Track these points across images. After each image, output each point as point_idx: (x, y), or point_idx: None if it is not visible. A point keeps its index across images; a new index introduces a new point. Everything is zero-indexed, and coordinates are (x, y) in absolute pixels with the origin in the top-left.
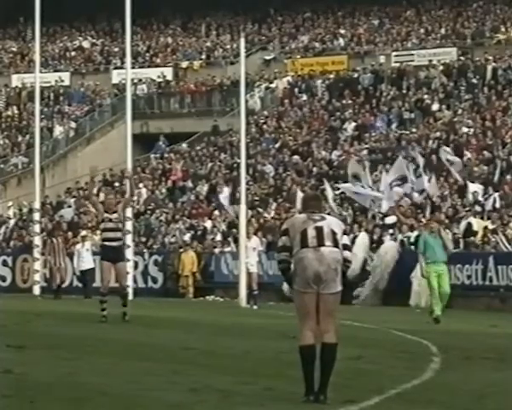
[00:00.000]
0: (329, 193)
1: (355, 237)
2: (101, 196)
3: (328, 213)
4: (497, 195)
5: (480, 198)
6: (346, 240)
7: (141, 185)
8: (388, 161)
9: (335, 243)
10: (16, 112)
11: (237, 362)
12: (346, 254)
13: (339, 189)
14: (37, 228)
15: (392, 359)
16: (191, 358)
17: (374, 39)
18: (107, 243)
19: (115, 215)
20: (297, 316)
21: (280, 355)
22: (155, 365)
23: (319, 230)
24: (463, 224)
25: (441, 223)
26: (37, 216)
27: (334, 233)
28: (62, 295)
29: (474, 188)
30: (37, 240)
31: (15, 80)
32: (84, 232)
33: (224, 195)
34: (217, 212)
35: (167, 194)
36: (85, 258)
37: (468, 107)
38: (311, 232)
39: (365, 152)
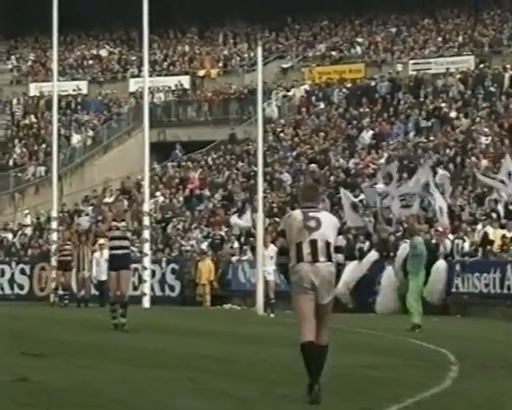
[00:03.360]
0: (346, 202)
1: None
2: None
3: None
4: None
5: (499, 207)
6: (340, 241)
7: (158, 193)
8: (405, 169)
9: (329, 257)
10: (34, 120)
11: (254, 370)
12: (339, 257)
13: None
14: (54, 236)
15: (410, 367)
16: (207, 365)
17: (391, 47)
18: (113, 252)
19: (123, 224)
20: (296, 318)
21: (296, 363)
22: (172, 372)
23: (314, 244)
24: (480, 232)
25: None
26: (54, 224)
27: (327, 245)
28: (83, 304)
29: (492, 196)
30: (54, 248)
31: (33, 89)
32: (101, 241)
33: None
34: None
35: (184, 202)
36: (103, 268)
37: (485, 115)
38: (306, 248)
39: (383, 160)
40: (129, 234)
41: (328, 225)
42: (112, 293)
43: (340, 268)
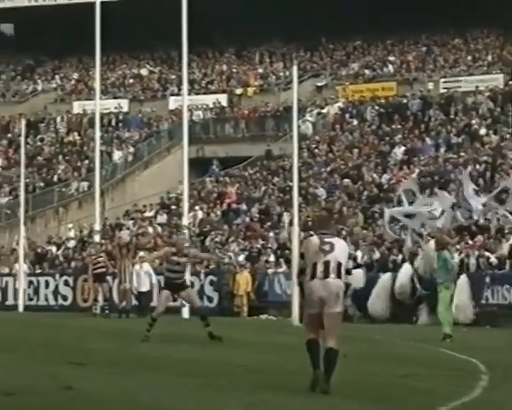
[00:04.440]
0: (386, 217)
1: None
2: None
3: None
4: None
5: None
6: (350, 264)
7: (196, 208)
8: (436, 184)
9: (339, 275)
10: (77, 137)
11: (290, 379)
12: (348, 278)
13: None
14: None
15: (442, 377)
16: (245, 374)
17: (422, 66)
18: (169, 281)
19: (184, 259)
20: (304, 325)
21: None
22: (211, 381)
23: (326, 265)
24: (507, 245)
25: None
26: (97, 238)
27: (339, 265)
28: (124, 315)
29: None
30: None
31: (77, 107)
32: (141, 253)
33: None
34: (271, 234)
35: (222, 216)
36: (143, 280)
37: None
38: (320, 267)
39: (414, 176)
40: (187, 267)
41: (340, 250)
42: (159, 310)
43: (348, 287)
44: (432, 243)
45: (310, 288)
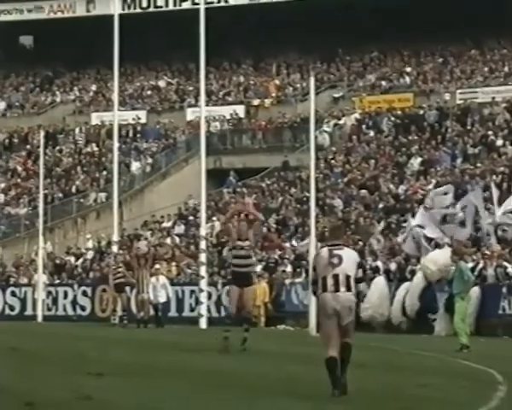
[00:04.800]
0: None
1: None
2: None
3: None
4: None
5: None
6: (360, 273)
7: (214, 218)
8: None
9: (349, 288)
10: (96, 149)
11: (312, 388)
12: (359, 286)
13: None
14: (111, 260)
15: (459, 387)
16: (266, 385)
17: (439, 77)
18: (236, 269)
19: (247, 243)
20: (321, 338)
21: (349, 384)
22: (232, 391)
23: (336, 278)
24: None
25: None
26: (115, 248)
27: (347, 278)
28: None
29: None
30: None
31: (95, 118)
32: (157, 266)
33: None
34: (288, 244)
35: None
36: (160, 292)
37: None
38: (330, 280)
39: (431, 186)
40: (252, 252)
41: (348, 262)
42: (233, 308)
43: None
44: (432, 254)
45: (322, 300)
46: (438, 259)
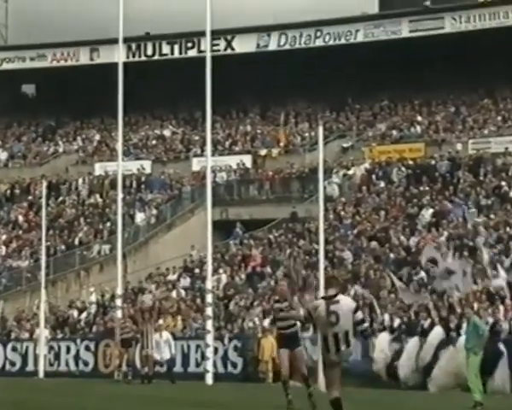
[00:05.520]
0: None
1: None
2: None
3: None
4: None
5: None
6: (359, 315)
7: (220, 271)
8: (466, 247)
9: (348, 343)
10: (99, 200)
11: None
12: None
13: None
14: (119, 314)
15: None
16: None
17: (451, 127)
18: (281, 332)
19: (285, 304)
20: (326, 383)
21: None
22: None
23: (336, 337)
24: None
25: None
26: (119, 302)
27: (346, 333)
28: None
29: None
30: (117, 326)
31: (98, 169)
32: (160, 321)
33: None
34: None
35: (246, 279)
36: (163, 349)
37: None
38: (331, 340)
39: (443, 239)
40: (294, 311)
41: (345, 317)
42: (284, 371)
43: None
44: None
45: (327, 356)
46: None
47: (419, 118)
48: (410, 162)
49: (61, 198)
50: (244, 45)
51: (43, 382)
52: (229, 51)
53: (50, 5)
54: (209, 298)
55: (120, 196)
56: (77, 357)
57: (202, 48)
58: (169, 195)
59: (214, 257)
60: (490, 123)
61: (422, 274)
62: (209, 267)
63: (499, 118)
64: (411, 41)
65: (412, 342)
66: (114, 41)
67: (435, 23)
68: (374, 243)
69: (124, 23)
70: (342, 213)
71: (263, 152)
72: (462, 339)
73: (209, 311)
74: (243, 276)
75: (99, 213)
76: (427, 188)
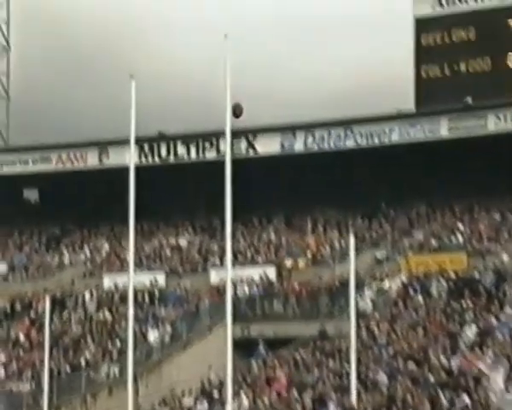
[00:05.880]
0: None
1: None
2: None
3: None
4: None
5: None
6: None
7: (242, 395)
8: None
9: None
10: (108, 316)
11: None
12: None
13: None
14: None
15: None
16: None
17: (495, 236)
18: None
19: None
20: None
21: None
22: None
23: None
24: None
25: None
26: None
27: None
28: None
29: None
30: None
31: (107, 281)
32: None
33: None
34: None
35: (270, 406)
36: None
37: None
38: None
39: (489, 360)
40: None
41: None
42: None
43: None
44: None
45: None
46: None
47: (460, 225)
48: (451, 274)
49: (66, 314)
50: (267, 146)
51: None
52: (251, 153)
53: (55, 103)
54: None
55: (131, 311)
56: None
57: (221, 149)
58: (185, 310)
59: (235, 379)
60: None
61: (466, 400)
62: (229, 390)
63: None
64: (451, 141)
65: None
66: (125, 141)
67: (477, 122)
68: (411, 364)
69: (135, 122)
70: (376, 330)
71: (288, 263)
72: None
73: None
74: (267, 400)
75: (108, 330)
76: (469, 303)
